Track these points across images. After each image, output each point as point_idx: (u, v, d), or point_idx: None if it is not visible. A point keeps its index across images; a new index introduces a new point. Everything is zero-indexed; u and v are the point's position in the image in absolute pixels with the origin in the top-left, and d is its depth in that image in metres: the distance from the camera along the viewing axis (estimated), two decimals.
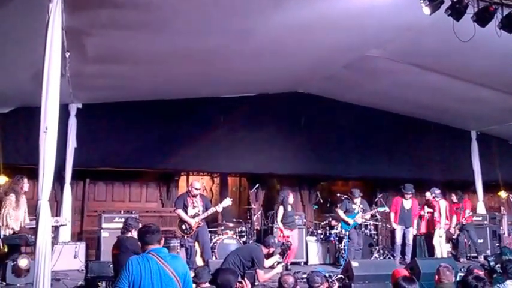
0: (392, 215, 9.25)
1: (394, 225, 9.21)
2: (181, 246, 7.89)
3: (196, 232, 7.67)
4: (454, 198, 9.76)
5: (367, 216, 9.12)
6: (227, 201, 7.97)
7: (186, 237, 7.62)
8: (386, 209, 9.24)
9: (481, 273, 4.96)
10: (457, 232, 9.58)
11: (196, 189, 7.83)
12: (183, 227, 7.65)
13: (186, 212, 7.67)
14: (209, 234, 8.26)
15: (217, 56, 6.93)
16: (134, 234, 5.44)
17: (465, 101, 9.08)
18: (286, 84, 9.51)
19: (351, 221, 8.84)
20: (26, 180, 6.57)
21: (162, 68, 7.33)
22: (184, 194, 7.97)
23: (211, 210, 7.84)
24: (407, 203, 9.22)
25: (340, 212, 8.98)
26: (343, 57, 7.75)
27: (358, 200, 9.02)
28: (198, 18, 5.67)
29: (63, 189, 8.60)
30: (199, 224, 7.68)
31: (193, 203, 7.75)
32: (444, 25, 5.07)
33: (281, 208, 8.57)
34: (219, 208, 7.91)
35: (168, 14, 5.48)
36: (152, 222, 6.14)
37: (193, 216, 7.66)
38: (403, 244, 9.19)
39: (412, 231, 9.22)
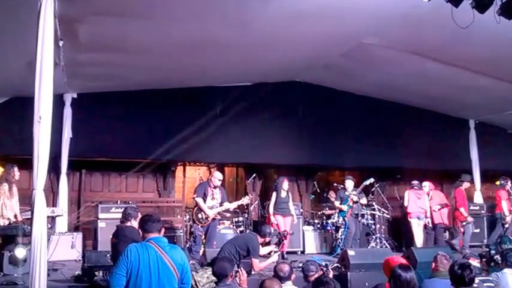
0: (462, 209, 9.33)
1: (470, 219, 9.32)
2: (191, 233, 7.91)
3: (209, 223, 7.69)
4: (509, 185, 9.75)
5: (363, 200, 9.21)
6: (245, 200, 8.00)
7: (199, 226, 7.62)
8: (371, 180, 9.28)
9: (477, 261, 5.00)
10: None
11: (219, 179, 7.82)
12: (200, 216, 7.64)
13: (204, 201, 7.67)
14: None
15: (213, 44, 6.86)
16: (133, 223, 5.47)
17: (463, 89, 9.03)
18: (283, 73, 9.45)
19: (344, 207, 8.94)
20: (16, 168, 6.57)
21: (158, 57, 7.26)
22: (205, 183, 7.97)
23: (229, 205, 7.91)
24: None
25: (337, 203, 9.14)
26: (340, 45, 7.68)
27: (351, 185, 9.09)
28: (193, 6, 5.60)
29: (59, 180, 8.58)
30: (216, 216, 7.73)
31: (213, 193, 7.76)
32: (443, 12, 5.01)
33: (274, 194, 8.63)
34: (236, 205, 8.03)
35: (163, 2, 5.41)
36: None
37: (211, 208, 7.68)
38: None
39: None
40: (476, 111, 10.80)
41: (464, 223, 9.26)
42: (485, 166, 11.06)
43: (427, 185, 9.52)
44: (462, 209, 9.31)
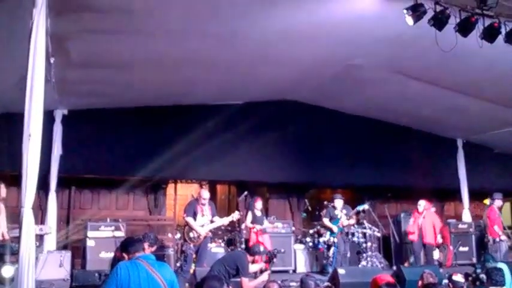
0: (496, 227, 9.41)
1: (503, 237, 9.37)
2: (182, 252, 7.86)
3: (201, 242, 7.65)
4: None
5: (352, 221, 9.15)
6: (235, 215, 8.00)
7: (192, 245, 7.59)
8: (366, 206, 9.25)
9: (460, 276, 5.00)
10: None
11: (204, 198, 7.78)
12: (191, 235, 7.57)
13: (195, 219, 7.62)
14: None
15: (205, 61, 6.96)
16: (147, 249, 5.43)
17: (451, 109, 9.20)
18: (274, 92, 9.55)
19: (335, 228, 8.88)
20: (3, 185, 6.52)
21: (149, 74, 7.33)
22: (194, 201, 7.91)
23: (220, 221, 7.85)
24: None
25: (326, 221, 9.05)
26: (329, 65, 7.82)
27: (340, 204, 9.07)
28: (183, 23, 5.72)
29: (48, 197, 8.48)
30: (208, 234, 7.71)
31: (202, 211, 7.71)
32: (428, 35, 5.17)
33: (249, 213, 8.63)
34: (229, 220, 7.94)
35: (154, 19, 5.51)
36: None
37: (202, 226, 7.63)
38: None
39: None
40: (463, 131, 10.96)
41: (497, 240, 9.37)
42: (473, 185, 11.16)
43: (422, 204, 9.52)
44: (496, 227, 9.42)
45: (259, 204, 8.79)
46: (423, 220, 9.39)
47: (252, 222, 8.58)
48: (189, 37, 6.09)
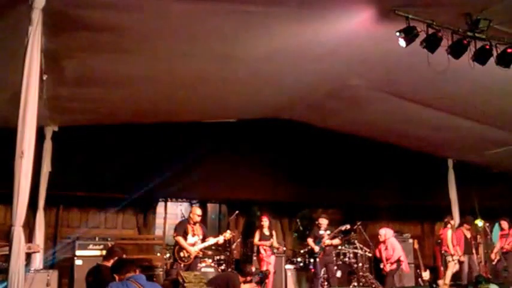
0: (457, 248, 9.64)
1: (463, 258, 9.55)
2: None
3: (191, 262, 7.57)
4: (505, 224, 9.80)
5: (336, 241, 9.01)
6: (227, 234, 7.96)
7: (182, 264, 7.46)
8: (348, 226, 9.13)
9: None
10: (497, 258, 9.66)
11: (198, 215, 7.73)
12: (181, 254, 7.51)
13: (185, 239, 7.54)
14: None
15: (197, 80, 6.97)
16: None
17: (441, 130, 9.28)
18: (268, 111, 9.57)
19: (316, 248, 8.75)
20: None
21: (141, 92, 7.33)
22: (185, 221, 7.87)
23: (212, 240, 7.78)
24: (468, 232, 9.80)
25: (310, 240, 8.95)
26: (324, 85, 7.86)
27: (324, 223, 8.96)
28: (178, 43, 5.73)
29: (36, 215, 8.29)
30: (199, 253, 7.62)
31: (193, 230, 7.66)
32: (420, 56, 5.23)
33: (257, 232, 8.68)
34: (221, 240, 7.89)
35: (148, 39, 5.51)
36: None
37: (193, 245, 7.55)
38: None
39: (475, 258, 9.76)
40: (454, 151, 11.04)
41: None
42: (464, 205, 11.19)
43: (382, 233, 9.25)
44: (458, 248, 9.64)
45: (266, 222, 8.72)
46: (386, 251, 9.17)
47: (260, 240, 8.57)
48: (183, 56, 6.10)
